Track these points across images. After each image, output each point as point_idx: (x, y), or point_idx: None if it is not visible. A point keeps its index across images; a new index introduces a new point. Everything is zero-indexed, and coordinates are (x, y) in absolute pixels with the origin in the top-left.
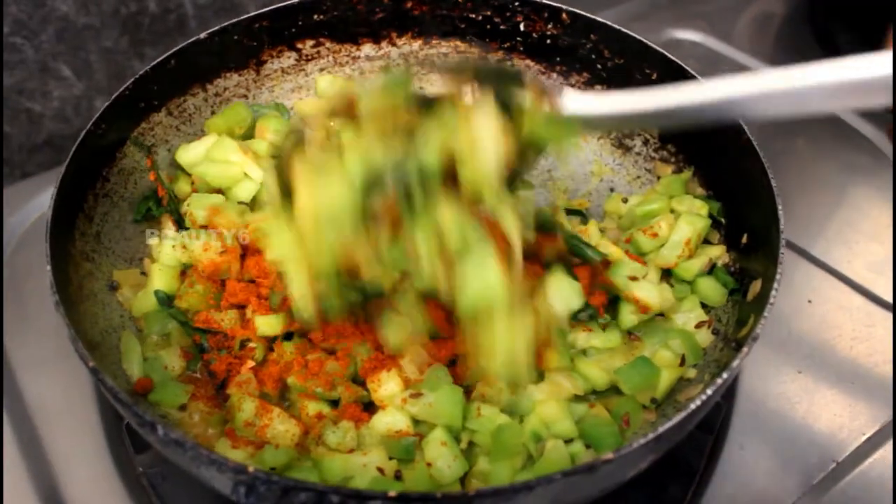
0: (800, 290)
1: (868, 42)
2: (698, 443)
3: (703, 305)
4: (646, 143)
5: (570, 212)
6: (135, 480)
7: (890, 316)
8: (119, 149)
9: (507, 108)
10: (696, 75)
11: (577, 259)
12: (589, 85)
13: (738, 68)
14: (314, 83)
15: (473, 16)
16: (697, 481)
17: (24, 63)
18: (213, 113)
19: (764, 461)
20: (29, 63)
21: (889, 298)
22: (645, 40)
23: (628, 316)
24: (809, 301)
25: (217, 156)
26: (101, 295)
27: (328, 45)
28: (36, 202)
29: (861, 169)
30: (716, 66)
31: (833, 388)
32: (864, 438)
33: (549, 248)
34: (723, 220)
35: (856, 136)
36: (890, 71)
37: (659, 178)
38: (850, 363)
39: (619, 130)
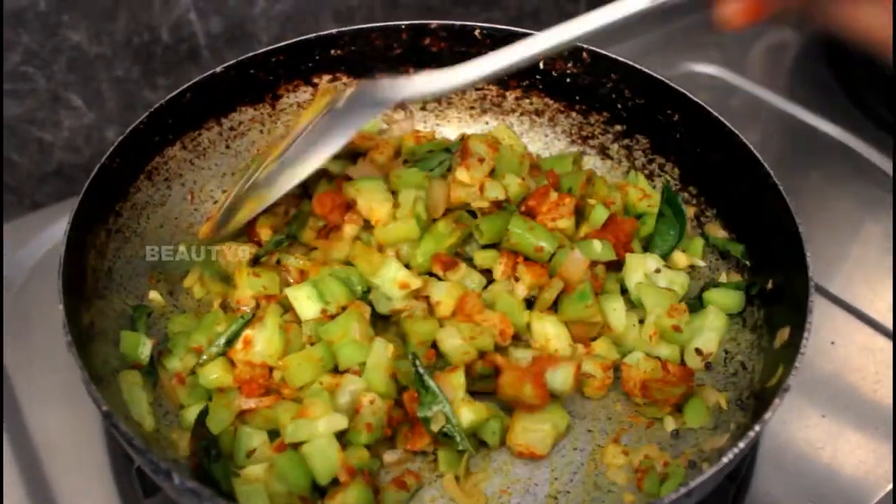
0: (822, 330)
1: (886, 69)
2: (721, 491)
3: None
4: (666, 184)
5: None
6: None
7: None
8: (132, 183)
9: None
10: (727, 123)
11: None
12: (608, 125)
13: (754, 101)
14: None
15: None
16: None
17: (35, 92)
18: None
19: None
20: (40, 92)
21: None
22: (667, 80)
23: None
24: (832, 343)
25: None
26: (111, 333)
27: (345, 79)
28: (46, 234)
29: (879, 204)
30: (731, 98)
31: (858, 433)
32: (891, 486)
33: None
34: (748, 262)
35: (873, 170)
36: None
37: None
38: (874, 406)
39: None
